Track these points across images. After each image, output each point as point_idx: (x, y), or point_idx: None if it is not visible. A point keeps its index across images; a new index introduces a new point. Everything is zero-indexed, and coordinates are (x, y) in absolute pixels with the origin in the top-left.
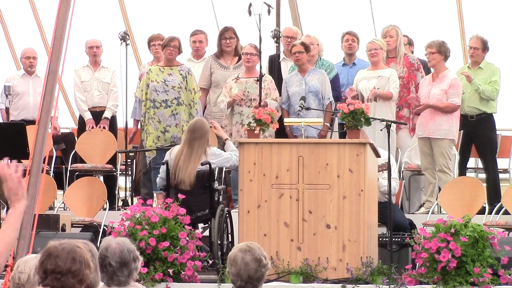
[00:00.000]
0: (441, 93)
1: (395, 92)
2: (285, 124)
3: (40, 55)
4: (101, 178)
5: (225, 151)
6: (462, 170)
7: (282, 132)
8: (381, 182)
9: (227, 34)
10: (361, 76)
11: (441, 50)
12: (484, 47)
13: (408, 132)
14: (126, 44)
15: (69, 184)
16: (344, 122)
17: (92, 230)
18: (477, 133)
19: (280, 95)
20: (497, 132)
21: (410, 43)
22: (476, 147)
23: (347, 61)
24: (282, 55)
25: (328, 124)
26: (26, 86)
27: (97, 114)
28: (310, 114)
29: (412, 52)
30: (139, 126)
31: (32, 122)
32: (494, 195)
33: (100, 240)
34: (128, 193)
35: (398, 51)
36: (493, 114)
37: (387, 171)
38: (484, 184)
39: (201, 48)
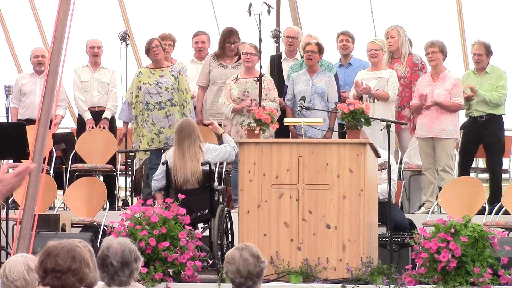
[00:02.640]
0: (446, 93)
1: (392, 93)
2: (285, 124)
3: None
4: (101, 178)
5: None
6: (466, 170)
7: (282, 132)
8: (379, 188)
9: (232, 38)
10: (361, 77)
11: (443, 50)
12: (488, 51)
13: (410, 132)
14: (126, 44)
15: (69, 184)
16: (344, 122)
17: (92, 230)
18: (486, 132)
19: (281, 94)
20: None
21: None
22: (484, 146)
23: (343, 61)
24: (283, 55)
25: (332, 128)
26: (33, 86)
27: (96, 114)
28: (314, 114)
29: None
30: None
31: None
32: (496, 195)
33: (100, 240)
34: (128, 193)
35: (401, 51)
36: (502, 115)
37: (386, 170)
38: (486, 184)
39: (204, 49)
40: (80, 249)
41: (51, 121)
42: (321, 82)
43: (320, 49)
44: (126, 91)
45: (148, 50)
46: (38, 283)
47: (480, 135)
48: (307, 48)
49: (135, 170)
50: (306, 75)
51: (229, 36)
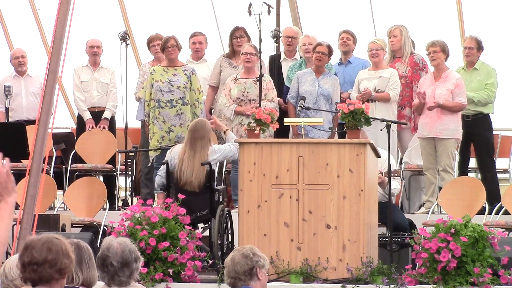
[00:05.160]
0: (447, 93)
1: (393, 94)
2: (285, 124)
3: (40, 55)
4: (101, 178)
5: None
6: (463, 170)
7: (282, 132)
8: (394, 184)
9: (237, 33)
10: (362, 76)
11: (445, 50)
12: (479, 46)
13: (411, 132)
14: (126, 44)
15: (69, 184)
16: (344, 122)
17: (92, 230)
18: (474, 133)
19: (280, 95)
20: (497, 132)
21: (412, 44)
22: (474, 146)
23: (343, 59)
24: (282, 55)
25: (335, 130)
26: (18, 87)
27: (96, 114)
28: (314, 115)
29: None
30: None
31: (26, 122)
32: (493, 195)
33: (100, 240)
34: (128, 193)
35: (404, 51)
36: (490, 114)
37: (399, 177)
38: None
39: (201, 50)
40: (58, 241)
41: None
42: (327, 84)
43: (330, 52)
44: (126, 91)
45: (164, 49)
46: (21, 279)
47: (469, 136)
48: (317, 49)
49: (145, 165)
50: (313, 75)
51: (234, 31)
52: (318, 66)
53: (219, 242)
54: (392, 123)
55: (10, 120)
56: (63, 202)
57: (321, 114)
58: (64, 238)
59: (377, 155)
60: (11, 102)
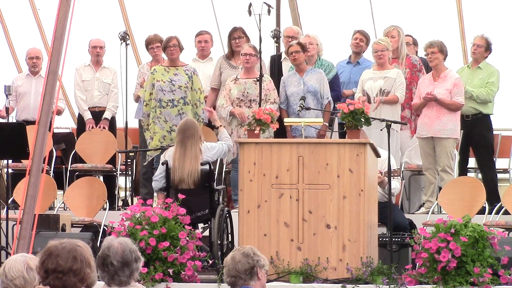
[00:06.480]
0: (446, 92)
1: (401, 95)
2: (285, 124)
3: None
4: (101, 178)
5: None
6: (463, 170)
7: (281, 132)
8: (394, 184)
9: (235, 34)
10: (367, 76)
11: (442, 50)
12: (488, 47)
13: (410, 133)
14: (126, 44)
15: (69, 184)
16: (344, 122)
17: (92, 230)
18: (473, 133)
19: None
20: (497, 132)
21: (414, 43)
22: (473, 147)
23: (352, 59)
24: (283, 55)
25: (327, 124)
26: (28, 87)
27: (96, 114)
28: (308, 114)
29: (417, 52)
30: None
31: (33, 122)
32: (492, 195)
33: (100, 240)
34: (128, 193)
35: (400, 52)
36: (490, 114)
37: (398, 176)
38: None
39: (207, 48)
40: (81, 249)
41: (50, 121)
42: (312, 80)
43: (303, 47)
44: (126, 91)
45: (165, 48)
46: (39, 283)
47: (468, 136)
48: (290, 50)
49: (143, 165)
50: (296, 75)
51: (233, 32)
52: (297, 65)
53: (219, 242)
54: (392, 123)
55: (19, 119)
56: (63, 202)
57: (310, 112)
58: (84, 244)
59: (377, 155)
60: (19, 101)
